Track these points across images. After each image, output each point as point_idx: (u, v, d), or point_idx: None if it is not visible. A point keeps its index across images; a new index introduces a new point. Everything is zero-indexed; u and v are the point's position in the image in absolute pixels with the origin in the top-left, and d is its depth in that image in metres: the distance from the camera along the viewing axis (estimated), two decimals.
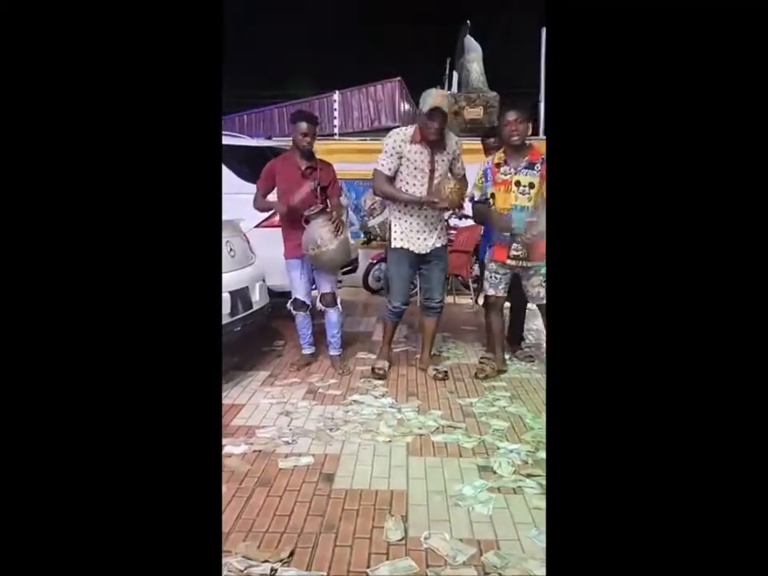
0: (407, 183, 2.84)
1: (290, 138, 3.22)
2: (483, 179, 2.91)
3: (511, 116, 2.75)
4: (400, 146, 2.78)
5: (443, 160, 2.84)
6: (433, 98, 2.67)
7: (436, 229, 2.93)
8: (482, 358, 3.18)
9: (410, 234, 2.90)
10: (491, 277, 2.98)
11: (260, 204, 3.07)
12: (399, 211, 2.91)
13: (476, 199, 2.97)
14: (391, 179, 2.86)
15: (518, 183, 2.79)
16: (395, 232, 2.93)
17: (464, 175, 2.94)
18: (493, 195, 2.88)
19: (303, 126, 2.91)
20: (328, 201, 3.02)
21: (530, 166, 2.79)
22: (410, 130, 2.83)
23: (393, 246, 2.95)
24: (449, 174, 2.86)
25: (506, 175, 2.82)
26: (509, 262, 2.87)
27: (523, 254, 2.82)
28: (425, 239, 2.91)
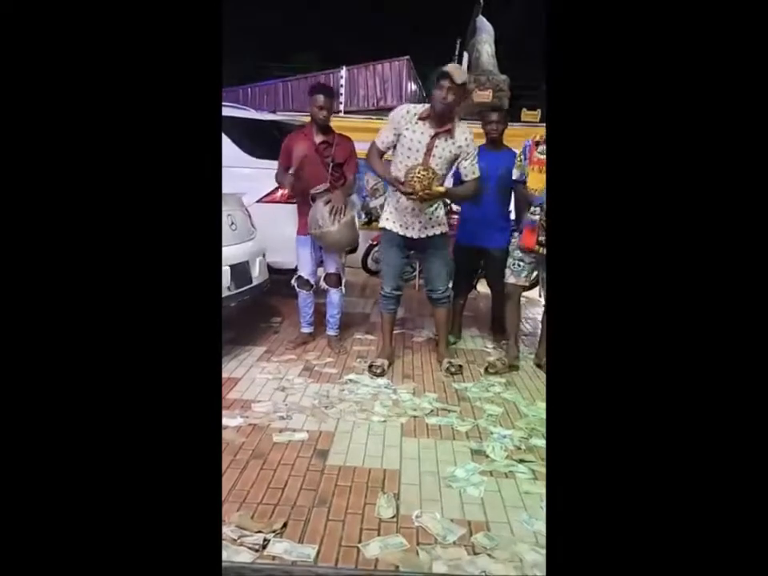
0: (399, 162, 2.66)
1: (295, 113, 3.17)
2: (522, 157, 2.79)
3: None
4: (399, 122, 2.62)
5: (444, 148, 2.60)
6: (446, 67, 2.52)
7: (431, 215, 2.76)
8: (492, 355, 3.10)
9: (398, 216, 2.76)
10: (514, 264, 2.84)
11: (280, 179, 3.02)
12: (394, 191, 2.74)
13: (514, 178, 2.85)
14: (383, 153, 2.72)
15: None
16: (385, 212, 2.83)
17: (475, 179, 2.70)
18: (526, 175, 2.76)
19: (320, 98, 2.84)
20: (344, 178, 2.95)
21: None
22: (419, 108, 2.67)
23: (381, 226, 2.88)
24: (424, 162, 2.59)
25: (542, 155, 2.68)
26: (536, 248, 2.72)
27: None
28: (413, 223, 2.75)
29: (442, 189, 2.57)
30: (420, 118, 2.60)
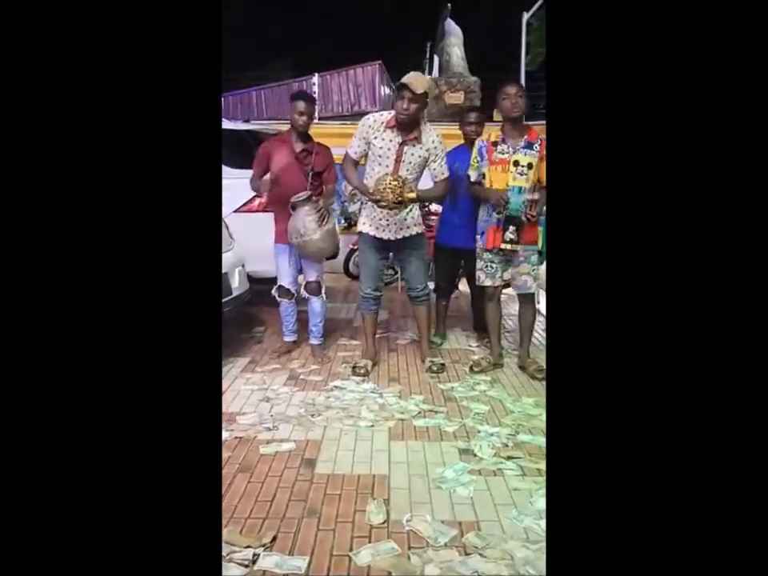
0: (372, 170, 2.75)
1: (269, 121, 3.16)
2: (479, 158, 2.78)
3: (511, 89, 2.65)
4: (367, 132, 2.70)
5: (413, 153, 2.68)
6: (406, 78, 2.57)
7: (406, 216, 2.81)
8: (477, 354, 3.14)
9: (375, 220, 2.83)
10: (486, 267, 2.84)
11: (255, 185, 3.00)
12: (366, 200, 2.81)
13: (472, 180, 2.85)
14: (356, 162, 2.81)
15: (516, 163, 2.67)
16: (362, 216, 2.90)
17: (444, 179, 2.78)
18: (483, 175, 2.77)
19: (300, 104, 2.85)
20: (323, 187, 2.96)
21: (529, 145, 2.67)
22: (384, 115, 2.73)
23: (359, 231, 2.93)
24: (394, 171, 2.66)
25: (503, 154, 2.70)
26: (503, 246, 2.73)
27: (516, 237, 2.70)
28: (389, 225, 2.81)
29: (413, 194, 2.63)
30: (387, 126, 2.67)
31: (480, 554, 1.49)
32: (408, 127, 2.63)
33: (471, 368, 2.93)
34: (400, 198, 2.56)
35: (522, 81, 6.02)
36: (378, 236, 2.84)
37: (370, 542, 1.53)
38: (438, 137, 2.73)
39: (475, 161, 2.81)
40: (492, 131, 2.83)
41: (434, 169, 2.76)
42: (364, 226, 2.88)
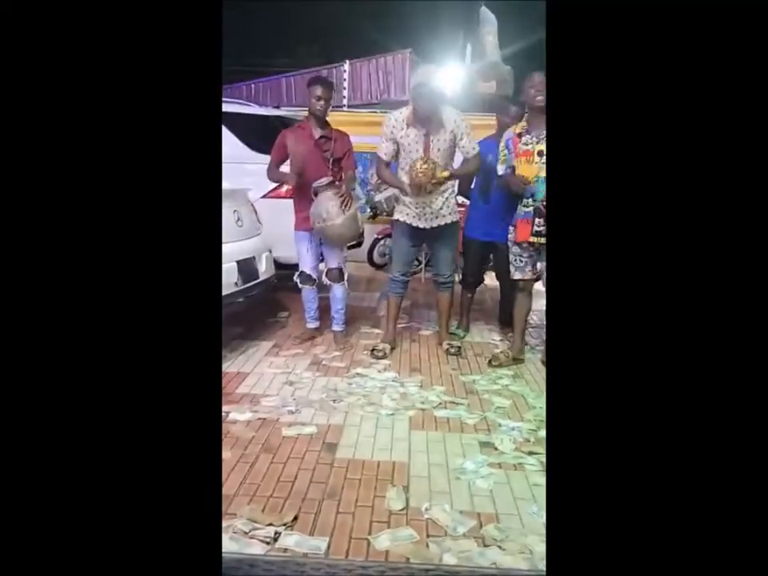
0: (403, 168, 2.82)
1: (298, 108, 3.18)
2: (506, 151, 2.76)
3: (537, 77, 2.60)
4: (392, 132, 2.78)
5: (439, 139, 2.76)
6: (418, 73, 2.69)
7: (441, 206, 2.89)
8: (499, 348, 3.13)
9: (410, 209, 2.92)
10: (516, 260, 2.82)
11: (272, 174, 3.05)
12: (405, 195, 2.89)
13: (500, 174, 2.83)
14: (388, 164, 2.90)
15: (540, 153, 2.63)
16: (399, 204, 3.00)
17: (475, 154, 2.83)
18: (513, 168, 2.74)
19: (318, 89, 2.86)
20: (342, 173, 2.98)
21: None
22: (404, 112, 2.79)
23: (394, 218, 3.04)
24: (423, 155, 2.73)
25: (527, 145, 2.67)
26: (532, 239, 2.70)
27: (545, 229, 2.64)
28: (425, 215, 2.90)
29: (446, 173, 2.71)
30: (408, 123, 2.76)
31: (499, 546, 1.49)
32: (428, 118, 2.70)
33: (490, 361, 2.92)
34: (434, 180, 2.65)
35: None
36: (413, 224, 2.93)
37: (389, 528, 1.55)
38: (458, 115, 2.80)
39: (503, 154, 2.79)
40: (518, 124, 2.78)
41: (463, 146, 2.82)
42: (401, 214, 2.97)
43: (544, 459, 1.95)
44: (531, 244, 2.74)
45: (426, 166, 2.63)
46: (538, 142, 2.64)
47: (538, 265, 2.82)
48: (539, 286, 3.07)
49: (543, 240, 2.68)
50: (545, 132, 2.61)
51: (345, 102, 7.45)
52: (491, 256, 3.42)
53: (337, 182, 2.89)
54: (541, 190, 2.63)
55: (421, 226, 2.93)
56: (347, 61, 7.72)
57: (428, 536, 1.53)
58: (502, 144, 2.79)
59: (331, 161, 2.93)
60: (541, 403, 2.44)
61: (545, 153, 2.61)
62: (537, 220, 2.67)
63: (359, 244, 4.51)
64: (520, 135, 2.71)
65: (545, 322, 3.03)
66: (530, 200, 2.68)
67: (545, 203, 2.61)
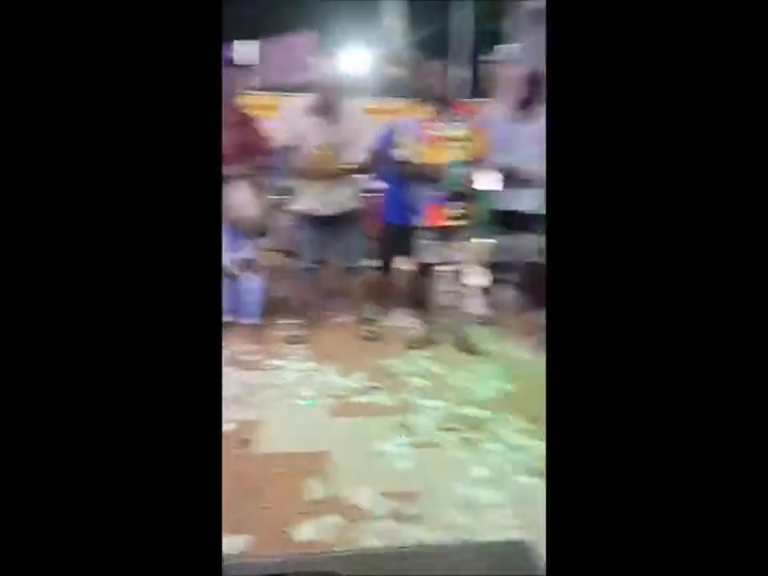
0: (303, 156, 2.80)
1: None
2: (407, 137, 2.75)
3: (437, 66, 2.68)
4: (292, 118, 2.78)
5: (341, 128, 2.78)
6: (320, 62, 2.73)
7: (344, 193, 2.91)
8: (414, 330, 3.17)
9: (312, 197, 2.90)
10: (425, 244, 2.86)
11: None
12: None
13: (397, 159, 2.82)
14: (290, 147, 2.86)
15: (449, 137, 2.67)
16: (298, 195, 2.96)
17: (354, 139, 2.83)
18: (419, 153, 2.74)
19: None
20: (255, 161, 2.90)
21: (458, 119, 2.68)
22: (306, 98, 2.79)
23: (296, 208, 2.99)
24: (321, 143, 2.76)
25: (435, 131, 2.69)
26: (445, 223, 2.74)
27: (458, 213, 2.71)
28: (328, 202, 2.90)
29: (342, 162, 2.73)
30: (308, 112, 2.75)
31: (420, 524, 1.53)
32: (327, 107, 2.73)
33: (406, 344, 2.97)
34: (330, 167, 2.69)
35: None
36: (315, 213, 2.89)
37: (312, 518, 1.54)
38: (359, 105, 2.88)
39: (404, 139, 2.77)
40: (421, 108, 2.80)
41: (363, 138, 2.82)
42: (301, 204, 2.93)
43: (462, 435, 2.02)
44: (442, 228, 2.79)
45: (322, 153, 2.67)
46: (445, 127, 2.68)
47: (444, 250, 2.89)
48: (451, 268, 3.15)
49: (457, 224, 2.74)
50: (455, 118, 2.67)
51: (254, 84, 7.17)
52: (405, 240, 3.46)
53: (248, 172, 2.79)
54: (454, 174, 2.68)
55: (323, 212, 2.92)
56: (258, 41, 7.33)
57: (351, 521, 1.53)
58: (402, 129, 2.78)
59: (242, 148, 2.82)
60: (458, 381, 2.52)
61: (454, 137, 2.66)
62: (451, 203, 2.71)
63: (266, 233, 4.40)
64: (424, 121, 2.72)
65: (456, 304, 3.11)
66: (442, 184, 2.72)
67: (460, 188, 2.66)
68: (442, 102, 2.72)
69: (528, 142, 2.73)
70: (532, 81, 3.16)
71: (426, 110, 2.76)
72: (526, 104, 2.84)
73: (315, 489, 1.67)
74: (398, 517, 1.56)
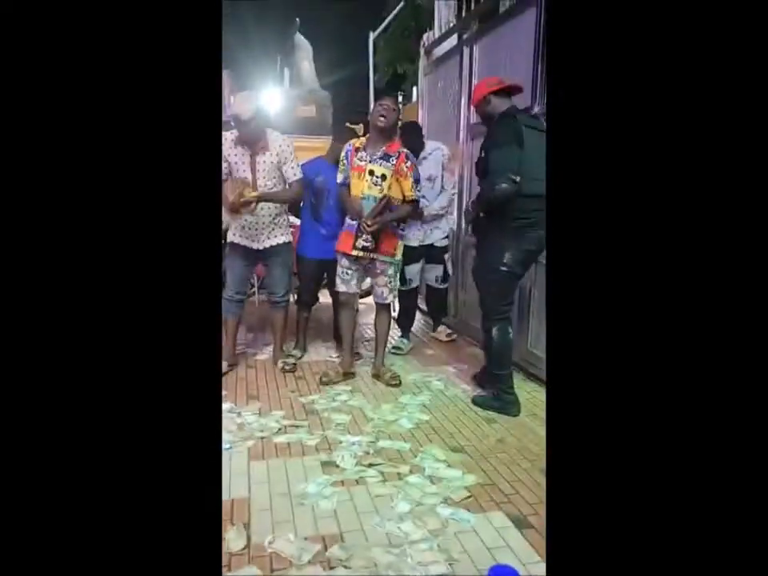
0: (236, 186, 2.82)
1: None
2: (345, 161, 2.81)
3: (384, 101, 2.73)
4: (224, 151, 2.79)
5: (266, 161, 2.81)
6: (234, 106, 2.73)
7: (272, 227, 2.95)
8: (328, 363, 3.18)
9: (243, 231, 2.94)
10: (343, 273, 2.88)
11: None
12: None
13: (339, 182, 2.87)
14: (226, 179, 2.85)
15: (371, 172, 2.71)
16: (232, 227, 2.99)
17: (296, 180, 2.88)
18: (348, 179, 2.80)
19: None
20: None
21: (386, 157, 2.72)
22: (234, 133, 2.80)
23: (228, 240, 3.02)
24: (258, 180, 2.81)
25: (361, 161, 2.74)
26: (354, 252, 2.78)
27: (371, 245, 2.75)
28: (258, 236, 2.94)
29: (255, 193, 2.75)
30: (236, 144, 2.80)
31: (344, 566, 1.49)
32: (253, 140, 2.77)
33: (320, 379, 2.94)
34: (242, 198, 2.68)
35: (371, 98, 6.24)
36: (246, 245, 2.95)
37: (229, 571, 1.45)
38: (284, 140, 2.87)
39: (342, 164, 2.84)
40: (360, 138, 2.87)
41: (286, 171, 2.88)
42: (234, 236, 2.97)
43: (383, 469, 2.01)
44: (357, 258, 2.83)
45: (233, 185, 2.69)
46: (371, 161, 2.73)
47: (366, 280, 2.92)
48: (370, 300, 3.18)
49: (370, 255, 2.78)
50: (379, 153, 2.72)
51: None
52: (324, 274, 3.46)
53: None
54: (366, 207, 2.73)
55: (254, 246, 2.95)
56: None
57: (272, 570, 1.46)
58: (342, 154, 2.85)
59: None
60: (378, 414, 2.51)
61: (375, 173, 2.72)
62: (363, 235, 2.74)
63: None
64: (357, 150, 2.78)
65: (376, 336, 3.13)
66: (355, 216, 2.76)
67: (368, 222, 2.70)
68: (379, 136, 2.75)
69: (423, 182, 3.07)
70: (408, 130, 3.50)
71: (361, 140, 2.83)
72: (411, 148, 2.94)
73: (233, 540, 1.58)
74: (323, 561, 1.51)
